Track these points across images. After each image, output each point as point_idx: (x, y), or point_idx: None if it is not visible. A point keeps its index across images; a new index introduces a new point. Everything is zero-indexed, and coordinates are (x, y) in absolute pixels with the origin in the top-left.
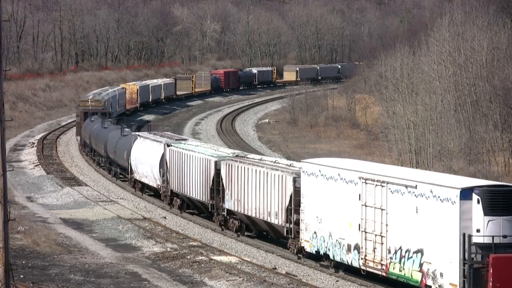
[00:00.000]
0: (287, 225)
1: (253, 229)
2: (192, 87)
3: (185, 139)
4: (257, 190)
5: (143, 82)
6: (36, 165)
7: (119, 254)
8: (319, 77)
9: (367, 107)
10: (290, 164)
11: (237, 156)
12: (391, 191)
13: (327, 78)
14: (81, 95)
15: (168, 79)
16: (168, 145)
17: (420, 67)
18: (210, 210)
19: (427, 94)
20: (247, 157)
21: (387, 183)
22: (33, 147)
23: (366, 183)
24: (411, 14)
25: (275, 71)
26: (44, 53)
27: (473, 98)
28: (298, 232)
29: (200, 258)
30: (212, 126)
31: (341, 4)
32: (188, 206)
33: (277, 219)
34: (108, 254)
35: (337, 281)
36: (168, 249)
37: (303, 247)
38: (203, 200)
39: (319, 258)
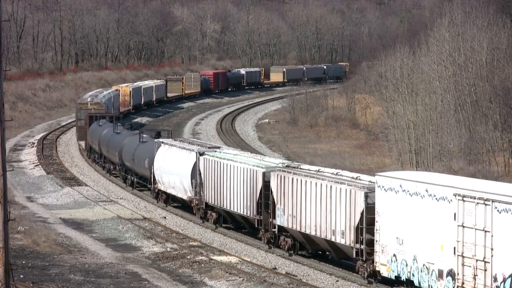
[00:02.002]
0: (357, 245)
1: (309, 248)
2: (182, 88)
3: (218, 147)
4: (317, 206)
5: (135, 83)
6: (36, 165)
7: (119, 254)
8: (305, 78)
9: (367, 107)
10: (357, 177)
11: (287, 166)
12: (498, 211)
13: (313, 79)
14: (80, 95)
15: (159, 80)
16: (201, 154)
17: (420, 67)
18: (256, 226)
19: (427, 94)
20: (301, 168)
21: (492, 201)
22: (33, 147)
23: (463, 200)
24: (411, 14)
25: (262, 72)
26: (44, 53)
27: (473, 98)
28: (369, 254)
29: (200, 258)
30: (212, 126)
31: (341, 4)
32: (225, 220)
33: (344, 238)
34: (108, 254)
35: (337, 281)
36: (168, 249)
37: (379, 271)
38: (248, 215)
39: (398, 284)
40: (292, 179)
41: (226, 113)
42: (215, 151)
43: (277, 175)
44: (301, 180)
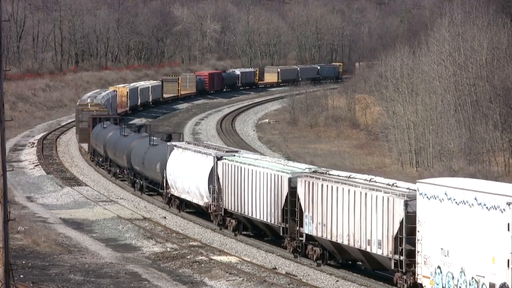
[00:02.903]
0: (395, 256)
1: (340, 258)
2: (178, 89)
3: (236, 151)
4: (350, 214)
5: (132, 84)
6: (36, 165)
7: (119, 254)
8: (300, 79)
9: (367, 107)
10: (393, 184)
11: (315, 172)
12: None
13: (307, 79)
14: (80, 95)
15: (155, 81)
16: (219, 158)
17: (420, 67)
18: (281, 234)
19: (427, 94)
20: (329, 173)
21: None
22: (33, 147)
23: None
24: (411, 14)
25: (257, 72)
26: (44, 53)
27: (473, 98)
28: (409, 266)
29: (200, 258)
30: (212, 126)
31: (341, 4)
32: (245, 227)
33: (381, 248)
34: (108, 254)
35: (337, 281)
36: (168, 249)
37: (421, 283)
38: (272, 222)
39: None
40: (322, 185)
41: (223, 114)
42: (234, 155)
43: (305, 181)
44: (331, 186)
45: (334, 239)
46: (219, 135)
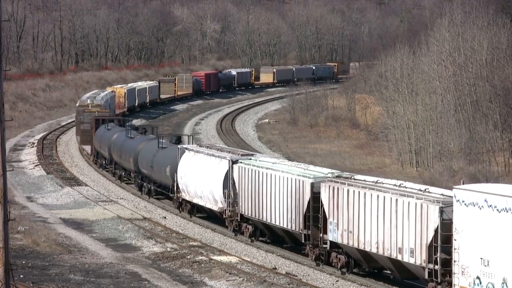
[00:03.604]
0: (429, 265)
1: (366, 266)
2: (175, 90)
3: (251, 154)
4: (379, 221)
5: (129, 85)
6: (36, 165)
7: (119, 254)
8: (295, 79)
9: (367, 107)
10: (425, 189)
11: (338, 176)
12: None
13: (303, 80)
14: (80, 95)
15: (152, 82)
16: (235, 162)
17: (420, 67)
18: (303, 241)
19: (427, 94)
20: (354, 178)
21: None
22: (33, 147)
23: None
24: (411, 14)
25: (253, 72)
26: (44, 53)
27: (473, 98)
28: (444, 275)
29: (200, 258)
30: (212, 126)
31: (341, 4)
32: (262, 233)
33: (413, 257)
34: (108, 254)
35: (337, 281)
36: (168, 249)
37: None
38: (293, 229)
39: None
40: (348, 190)
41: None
42: (250, 159)
43: (329, 186)
44: (359, 192)
45: (361, 247)
46: (219, 135)
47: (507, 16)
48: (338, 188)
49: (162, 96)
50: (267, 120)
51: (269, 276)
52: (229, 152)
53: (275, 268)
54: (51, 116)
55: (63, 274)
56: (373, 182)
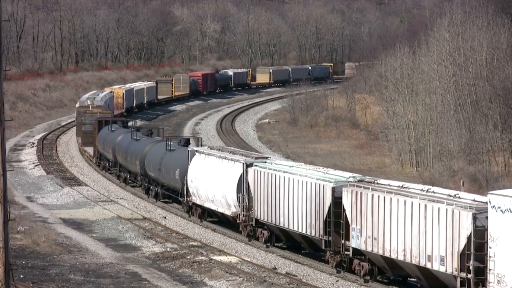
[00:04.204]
0: (462, 274)
1: (391, 274)
2: (172, 90)
3: (266, 157)
4: (406, 227)
5: (127, 85)
6: (36, 165)
7: (119, 254)
8: (291, 79)
9: (367, 107)
10: (455, 195)
11: (360, 181)
12: None
13: (299, 80)
14: (80, 95)
15: (150, 82)
16: (249, 165)
17: (420, 67)
18: (323, 247)
19: (427, 94)
20: (378, 183)
21: None
22: (33, 147)
23: None
24: (411, 14)
25: (250, 72)
26: (44, 53)
27: (473, 98)
28: (477, 284)
29: (200, 258)
30: (212, 126)
31: (341, 4)
32: (278, 239)
33: (444, 265)
34: (108, 254)
35: (337, 281)
36: (168, 249)
37: None
38: (312, 235)
39: None
40: (373, 196)
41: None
42: (265, 162)
43: (352, 191)
44: (384, 197)
45: (386, 254)
46: (219, 135)
47: (507, 16)
48: (361, 193)
49: (160, 97)
50: (267, 120)
51: (269, 276)
52: (242, 155)
53: (275, 268)
54: (51, 116)
55: (63, 274)
56: (398, 187)
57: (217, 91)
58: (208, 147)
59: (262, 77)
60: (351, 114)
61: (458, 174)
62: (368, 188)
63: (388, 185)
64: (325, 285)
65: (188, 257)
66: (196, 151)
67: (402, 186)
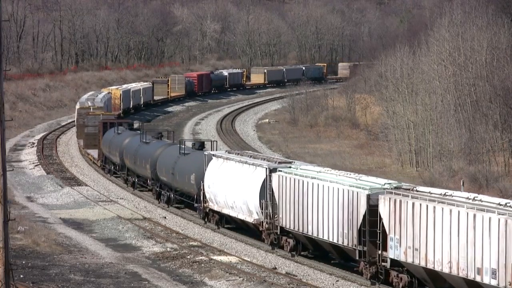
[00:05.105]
0: None
1: (433, 286)
2: (168, 91)
3: (290, 162)
4: (452, 238)
5: (124, 86)
6: (36, 165)
7: (119, 254)
8: (285, 80)
9: (367, 107)
10: (506, 204)
11: (397, 188)
12: None
13: (293, 80)
14: (80, 95)
15: (146, 83)
16: (273, 170)
17: (420, 67)
18: (357, 258)
19: (427, 94)
20: (417, 190)
21: None
22: (33, 147)
23: None
24: (411, 14)
25: (245, 73)
26: (44, 53)
27: (473, 98)
28: None
29: (200, 258)
30: (212, 127)
31: (341, 4)
32: (304, 247)
33: (496, 279)
34: (108, 254)
35: (337, 281)
36: (168, 249)
37: None
38: (345, 244)
39: None
40: (413, 204)
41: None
42: (290, 167)
43: (390, 199)
44: (426, 206)
45: (429, 266)
46: (219, 135)
47: (507, 16)
48: (400, 201)
49: (156, 98)
50: (267, 120)
51: (269, 276)
52: (264, 159)
53: (275, 268)
54: (51, 116)
55: (63, 274)
56: (440, 194)
57: (212, 91)
58: (226, 151)
59: (257, 78)
60: (351, 114)
61: (458, 174)
62: (408, 196)
63: (429, 192)
64: (325, 285)
65: (188, 257)
66: (213, 155)
67: (444, 194)
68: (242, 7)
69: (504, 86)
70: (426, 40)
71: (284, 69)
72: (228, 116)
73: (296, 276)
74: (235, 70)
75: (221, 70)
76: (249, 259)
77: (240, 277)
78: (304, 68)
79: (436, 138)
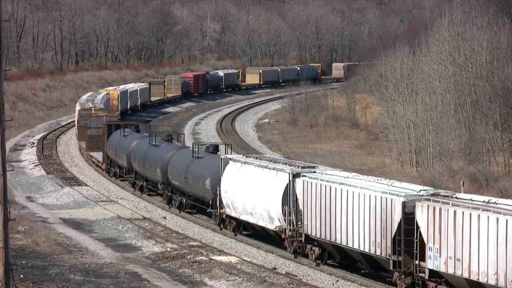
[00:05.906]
0: None
1: None
2: (164, 92)
3: (313, 166)
4: (498, 248)
5: (121, 87)
6: (36, 165)
7: (119, 254)
8: (280, 80)
9: (367, 107)
10: None
11: (434, 194)
12: None
13: (288, 81)
14: (80, 95)
15: (143, 83)
16: (296, 175)
17: (420, 67)
18: (391, 268)
19: (427, 94)
20: (456, 197)
21: None
22: (33, 147)
23: None
24: (411, 14)
25: (240, 73)
26: (44, 53)
27: (473, 98)
28: None
29: (200, 258)
30: (212, 127)
31: (341, 4)
32: (330, 256)
33: None
34: (108, 254)
35: (337, 281)
36: (168, 249)
37: None
38: (377, 253)
39: None
40: (455, 212)
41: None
42: (314, 172)
43: (428, 206)
44: (470, 214)
45: (473, 278)
46: (219, 135)
47: (507, 16)
48: (440, 209)
49: (152, 98)
50: (267, 120)
51: (269, 276)
52: (285, 163)
53: (275, 268)
54: (51, 116)
55: (63, 274)
56: (483, 202)
57: (208, 92)
58: (244, 154)
59: (252, 78)
60: (351, 114)
61: (458, 174)
62: (448, 204)
63: (471, 199)
64: (325, 285)
65: (188, 257)
66: (230, 159)
67: (488, 202)
68: (242, 7)
69: (504, 86)
70: (426, 40)
71: (279, 70)
72: (228, 116)
73: (296, 276)
74: (230, 71)
75: (217, 71)
76: (249, 259)
77: (240, 277)
78: (299, 68)
79: (436, 138)
